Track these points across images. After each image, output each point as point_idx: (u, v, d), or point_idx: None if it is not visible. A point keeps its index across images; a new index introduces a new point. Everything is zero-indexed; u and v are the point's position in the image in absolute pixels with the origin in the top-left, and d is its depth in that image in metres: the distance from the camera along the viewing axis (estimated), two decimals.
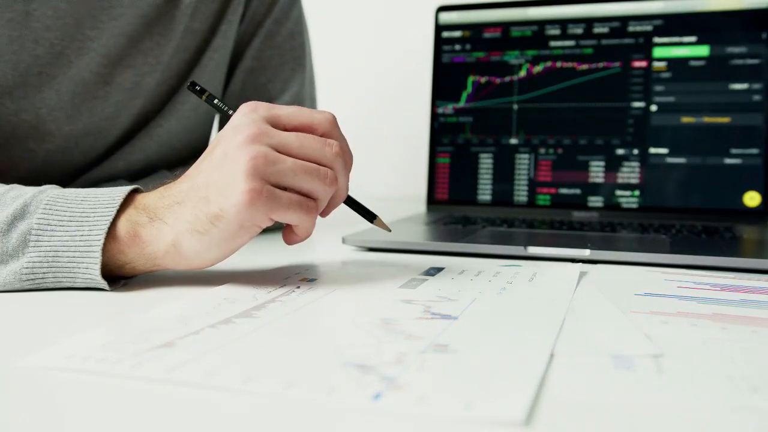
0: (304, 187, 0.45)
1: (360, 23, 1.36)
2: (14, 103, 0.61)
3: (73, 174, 0.68)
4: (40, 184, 0.48)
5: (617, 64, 0.89)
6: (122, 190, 0.46)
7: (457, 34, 0.96)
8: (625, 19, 0.89)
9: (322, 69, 0.97)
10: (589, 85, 0.90)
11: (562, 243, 0.62)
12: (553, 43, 0.92)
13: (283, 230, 0.49)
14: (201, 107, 0.74)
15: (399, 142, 1.32)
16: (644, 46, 0.88)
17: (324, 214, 0.49)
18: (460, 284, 0.48)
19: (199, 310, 0.39)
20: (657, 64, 0.87)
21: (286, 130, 0.45)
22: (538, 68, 0.92)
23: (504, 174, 0.92)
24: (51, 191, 0.46)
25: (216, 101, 0.52)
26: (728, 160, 0.84)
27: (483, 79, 0.94)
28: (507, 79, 0.93)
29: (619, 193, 0.88)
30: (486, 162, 0.93)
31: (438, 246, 0.62)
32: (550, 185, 0.90)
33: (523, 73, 0.92)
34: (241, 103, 0.47)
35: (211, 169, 0.44)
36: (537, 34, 0.92)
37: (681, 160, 0.86)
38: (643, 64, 0.88)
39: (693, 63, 0.86)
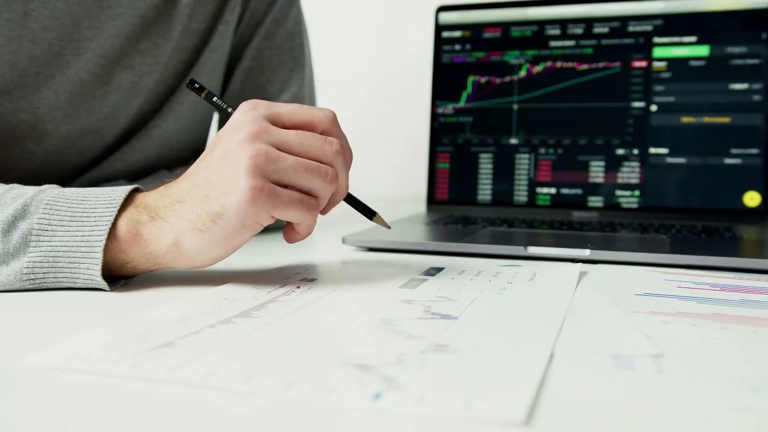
0: (304, 184, 0.45)
1: (360, 24, 1.36)
2: (12, 104, 0.61)
3: (72, 174, 0.68)
4: (39, 185, 0.48)
5: (617, 64, 0.89)
6: (123, 190, 0.46)
7: (457, 34, 0.96)
8: (625, 19, 0.89)
9: (322, 70, 0.97)
10: (589, 85, 0.90)
11: (562, 243, 0.62)
12: (553, 43, 0.92)
13: (284, 228, 0.49)
14: (199, 107, 0.74)
15: (399, 142, 1.32)
16: (644, 46, 0.88)
17: (324, 211, 0.49)
18: (460, 284, 0.48)
19: (199, 310, 0.39)
20: (657, 64, 0.87)
21: (285, 127, 0.46)
22: (538, 68, 0.92)
23: (504, 174, 0.92)
24: (51, 191, 0.46)
25: (215, 99, 0.52)
26: (728, 160, 0.84)
27: (483, 79, 0.94)
28: (507, 79, 0.93)
29: (619, 193, 0.88)
30: (486, 162, 0.93)
31: (438, 246, 0.62)
32: (550, 185, 0.90)
33: (523, 73, 0.92)
34: (239, 104, 0.47)
35: (211, 167, 0.44)
36: (537, 34, 0.92)
37: (681, 160, 0.86)
38: (643, 64, 0.88)
39: (693, 63, 0.86)
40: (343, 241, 0.64)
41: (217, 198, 0.43)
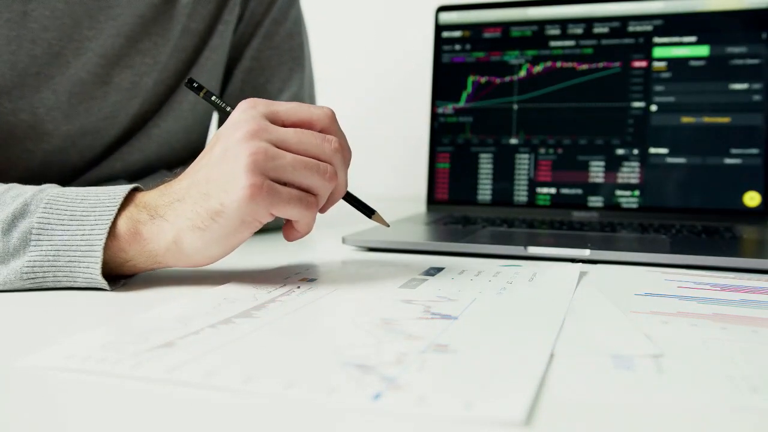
0: (303, 182, 0.45)
1: (360, 24, 1.36)
2: (12, 103, 0.61)
3: (72, 174, 0.68)
4: (39, 185, 0.48)
5: (617, 64, 0.89)
6: (123, 189, 0.46)
7: (457, 34, 0.96)
8: (625, 19, 0.89)
9: (322, 70, 0.97)
10: (589, 85, 0.90)
11: (562, 243, 0.62)
12: (553, 43, 0.92)
13: (284, 226, 0.49)
14: (199, 107, 0.74)
15: (399, 142, 1.32)
16: (644, 46, 0.88)
17: (323, 210, 0.49)
18: (460, 284, 0.48)
19: (199, 310, 0.39)
20: (657, 64, 0.87)
21: (284, 126, 0.46)
22: (538, 68, 0.92)
23: (504, 174, 0.92)
24: (51, 190, 0.46)
25: (213, 98, 0.52)
26: (728, 160, 0.84)
27: (483, 79, 0.94)
28: (507, 79, 0.93)
29: (619, 193, 0.88)
30: (486, 162, 0.93)
31: (438, 246, 0.62)
32: (550, 185, 0.90)
33: (523, 73, 0.92)
34: (238, 103, 0.47)
35: (210, 166, 0.44)
36: (537, 34, 0.92)
37: (681, 160, 0.86)
38: (643, 64, 0.88)
39: (693, 63, 0.86)
40: (343, 241, 0.64)
41: (217, 196, 0.43)
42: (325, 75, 1.06)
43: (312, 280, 0.48)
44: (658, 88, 0.87)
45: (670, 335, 0.36)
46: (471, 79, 0.94)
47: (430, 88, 0.97)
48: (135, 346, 0.32)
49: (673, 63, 0.87)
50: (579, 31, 0.91)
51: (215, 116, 0.83)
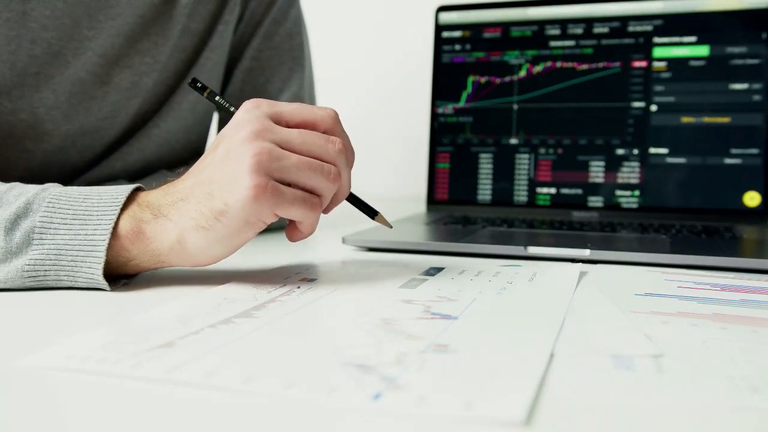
0: (307, 183, 0.45)
1: (360, 24, 1.36)
2: (12, 103, 0.61)
3: (72, 174, 0.68)
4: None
5: (617, 64, 0.89)
6: (125, 188, 0.46)
7: (457, 34, 0.96)
8: (625, 19, 0.89)
9: (322, 70, 0.97)
10: (589, 85, 0.90)
11: (562, 243, 0.62)
12: (553, 43, 0.92)
13: (287, 227, 0.49)
14: (198, 107, 0.74)
15: (399, 142, 1.32)
16: (644, 46, 0.88)
17: (326, 210, 0.49)
18: (460, 284, 0.48)
19: (199, 310, 0.39)
20: (657, 64, 0.87)
21: (288, 126, 0.46)
22: (538, 68, 0.92)
23: (504, 174, 0.92)
24: (53, 189, 0.46)
25: (217, 98, 0.52)
26: (728, 160, 0.84)
27: (483, 79, 0.94)
28: (507, 79, 0.93)
29: (619, 193, 0.88)
30: (486, 162, 0.93)
31: (438, 246, 0.62)
32: (550, 185, 0.90)
33: (523, 73, 0.92)
34: (240, 103, 0.47)
35: (214, 166, 0.44)
36: (537, 34, 0.92)
37: (681, 160, 0.86)
38: (643, 64, 0.88)
39: (693, 63, 0.86)
40: (343, 241, 0.64)
41: (221, 196, 0.43)
42: (325, 75, 1.06)
43: (312, 280, 0.48)
44: (658, 88, 0.87)
45: (670, 335, 0.36)
46: (471, 79, 0.94)
47: (430, 88, 0.97)
48: (135, 346, 0.32)
49: (673, 63, 0.87)
50: (579, 31, 0.91)
51: (215, 116, 0.83)
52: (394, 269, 0.53)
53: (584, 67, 0.90)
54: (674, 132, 0.86)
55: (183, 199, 0.44)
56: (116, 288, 0.45)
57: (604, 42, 0.90)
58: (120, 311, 0.40)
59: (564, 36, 0.91)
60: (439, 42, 0.96)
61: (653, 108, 0.87)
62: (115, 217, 0.44)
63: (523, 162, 0.91)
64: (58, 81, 0.62)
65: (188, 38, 0.71)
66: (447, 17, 0.96)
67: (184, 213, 0.44)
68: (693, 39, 0.86)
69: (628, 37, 0.89)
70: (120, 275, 0.46)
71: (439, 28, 0.96)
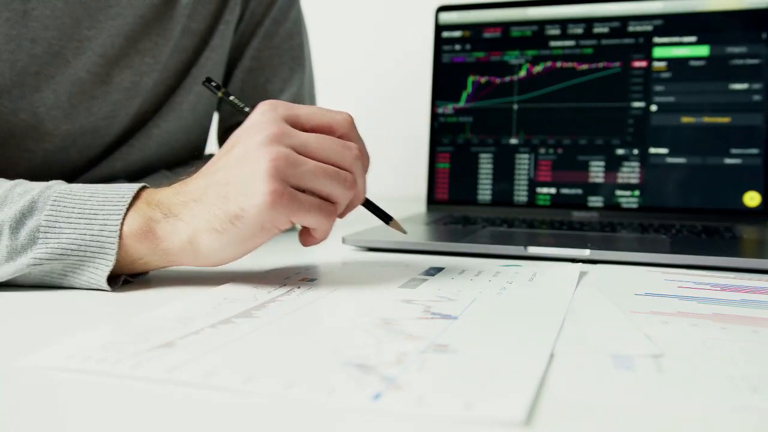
0: (324, 190, 0.44)
1: (360, 24, 1.36)
2: (12, 103, 0.61)
3: (72, 174, 0.68)
4: None
5: (617, 64, 0.89)
6: (130, 187, 0.45)
7: (457, 34, 0.96)
8: (625, 19, 0.89)
9: (321, 70, 0.97)
10: (589, 85, 0.90)
11: (562, 243, 0.62)
12: (553, 43, 0.92)
13: (300, 232, 0.48)
14: (199, 107, 0.74)
15: (399, 142, 1.32)
16: (644, 46, 0.88)
17: (342, 215, 0.48)
18: (460, 284, 0.48)
19: (199, 310, 0.39)
20: (657, 64, 0.87)
21: (304, 130, 0.45)
22: (538, 68, 0.92)
23: (504, 174, 0.92)
24: (58, 186, 0.46)
25: (232, 98, 0.52)
26: (728, 160, 0.84)
27: (483, 79, 0.94)
28: (507, 79, 0.93)
29: (619, 193, 0.88)
30: (486, 162, 0.93)
31: (438, 246, 0.62)
32: (550, 185, 0.90)
33: (523, 73, 0.92)
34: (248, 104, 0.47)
35: (229, 167, 0.44)
36: (537, 34, 0.92)
37: (681, 160, 0.86)
38: (643, 64, 0.88)
39: (693, 63, 0.86)
40: (343, 241, 0.64)
41: (236, 199, 0.42)
42: (325, 75, 1.06)
43: (312, 280, 0.48)
44: (658, 88, 0.87)
45: (670, 335, 0.36)
46: (471, 79, 0.94)
47: (430, 88, 0.97)
48: (135, 346, 0.32)
49: (673, 63, 0.87)
50: (579, 31, 0.91)
51: (215, 117, 0.83)
52: (394, 269, 0.53)
53: (584, 67, 0.90)
54: (674, 132, 0.86)
55: (196, 200, 0.44)
56: (116, 288, 0.45)
57: (604, 42, 0.90)
58: (120, 311, 0.40)
59: (564, 36, 0.91)
60: (439, 42, 0.96)
61: (653, 108, 0.87)
62: (121, 217, 0.43)
63: (523, 162, 0.91)
64: (59, 81, 0.62)
65: (189, 38, 0.71)
66: (447, 17, 0.96)
67: (197, 214, 0.43)
68: (693, 39, 0.86)
69: (628, 37, 0.89)
70: (127, 273, 0.46)
71: (439, 28, 0.97)
